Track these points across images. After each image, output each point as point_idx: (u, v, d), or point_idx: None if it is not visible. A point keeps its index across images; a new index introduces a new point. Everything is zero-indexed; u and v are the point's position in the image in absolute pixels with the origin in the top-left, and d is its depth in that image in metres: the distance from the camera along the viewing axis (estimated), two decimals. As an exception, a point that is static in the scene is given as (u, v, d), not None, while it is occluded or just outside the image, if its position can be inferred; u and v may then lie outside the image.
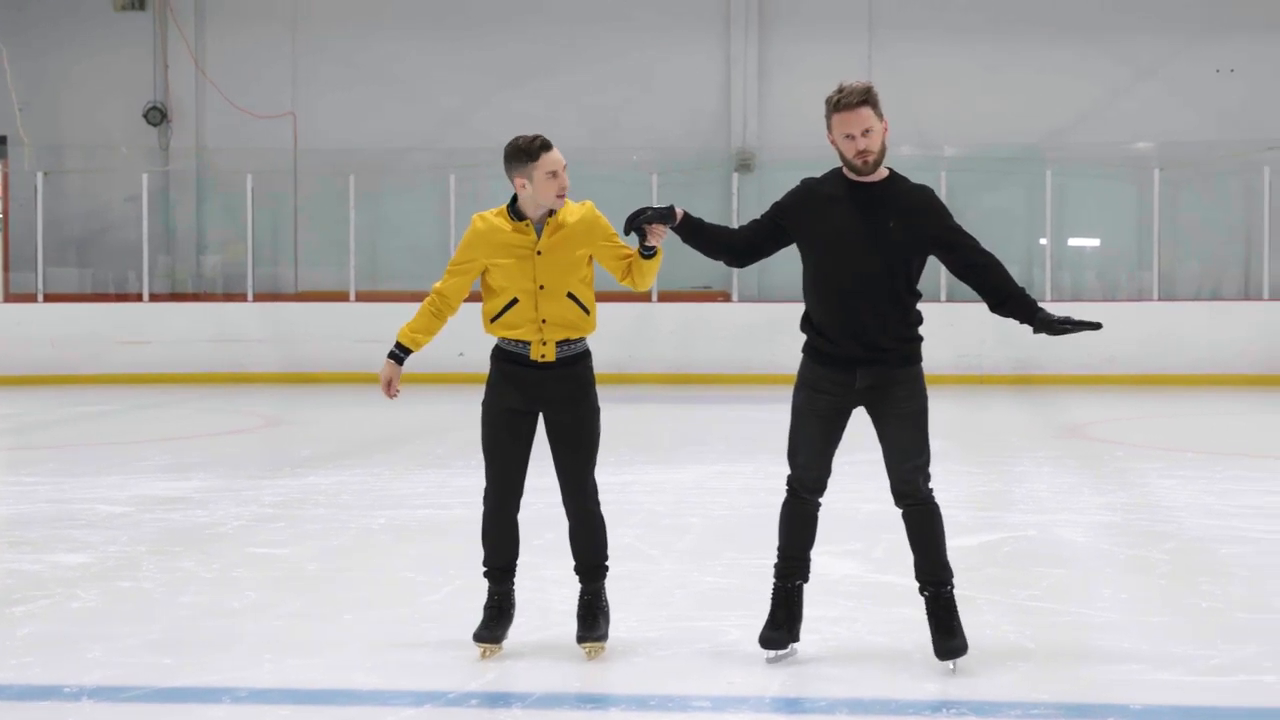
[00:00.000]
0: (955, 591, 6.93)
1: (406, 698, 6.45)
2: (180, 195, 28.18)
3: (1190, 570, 9.07)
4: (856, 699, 6.44)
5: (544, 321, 6.95)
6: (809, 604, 7.62)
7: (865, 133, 6.73)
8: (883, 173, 6.90)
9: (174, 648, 7.25)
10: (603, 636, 7.10)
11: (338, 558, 9.67)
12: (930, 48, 27.07)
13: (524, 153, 6.88)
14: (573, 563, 7.25)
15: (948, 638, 6.84)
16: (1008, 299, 6.96)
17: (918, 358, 6.96)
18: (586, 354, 7.13)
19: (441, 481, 12.76)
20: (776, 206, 7.03)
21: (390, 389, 7.16)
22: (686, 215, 7.01)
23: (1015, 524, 10.70)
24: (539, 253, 6.94)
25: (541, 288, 6.94)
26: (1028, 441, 16.19)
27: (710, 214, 25.25)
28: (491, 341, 7.09)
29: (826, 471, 7.02)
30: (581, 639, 7.09)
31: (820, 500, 7.07)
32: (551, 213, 6.97)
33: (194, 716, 6.28)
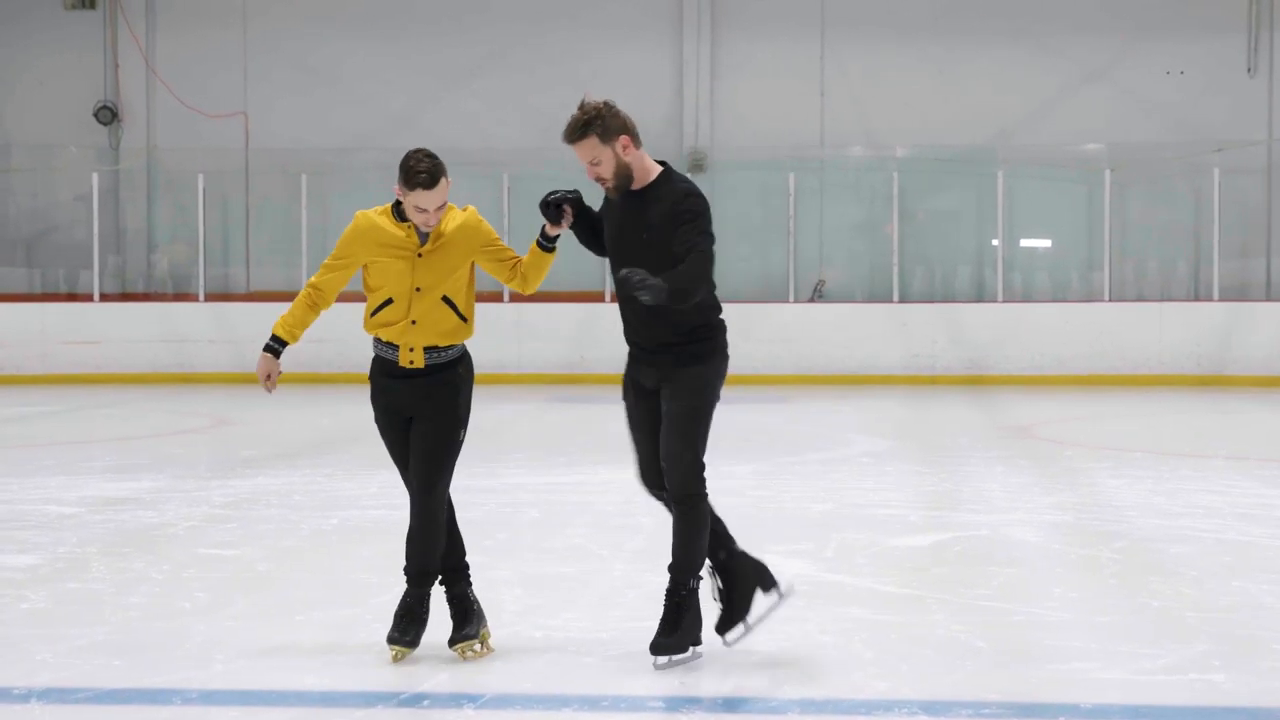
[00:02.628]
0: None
1: (357, 698, 6.43)
2: (131, 195, 28.06)
3: (1139, 570, 9.11)
4: (808, 698, 6.44)
5: (413, 323, 6.94)
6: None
7: (593, 163, 6.76)
8: (653, 173, 6.89)
9: (123, 649, 7.22)
10: (473, 635, 7.07)
11: (288, 558, 9.64)
12: (882, 48, 27.13)
13: (404, 176, 6.82)
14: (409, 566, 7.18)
15: (664, 634, 6.88)
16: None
17: (705, 356, 6.91)
18: (460, 360, 7.09)
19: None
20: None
21: (270, 382, 7.14)
22: (581, 197, 6.99)
23: (966, 524, 10.73)
24: (420, 255, 6.94)
25: (418, 290, 6.93)
26: (978, 441, 16.25)
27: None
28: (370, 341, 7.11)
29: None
30: (453, 641, 7.06)
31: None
32: None
33: (143, 718, 6.25)
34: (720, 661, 6.97)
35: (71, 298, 26.98)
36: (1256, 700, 6.45)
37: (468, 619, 7.11)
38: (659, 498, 7.12)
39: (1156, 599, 8.32)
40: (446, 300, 6.97)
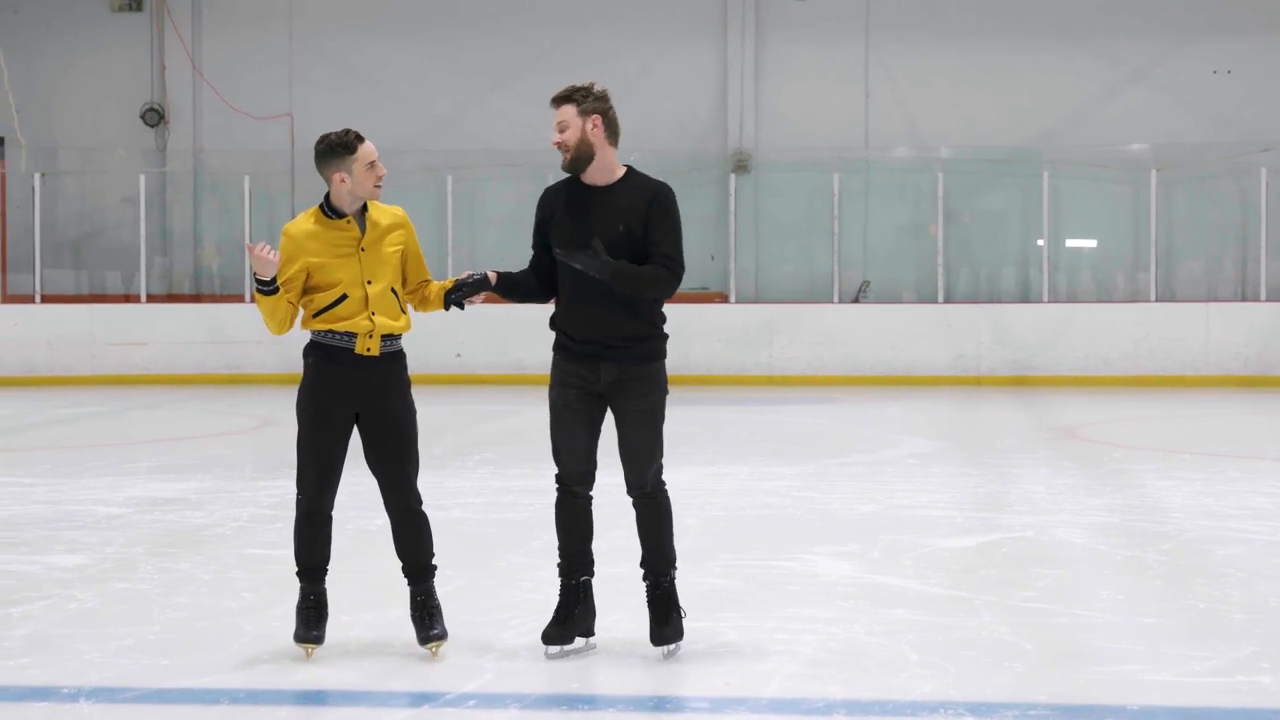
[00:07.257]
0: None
1: (403, 699, 6.46)
2: (177, 197, 28.19)
3: (1187, 571, 9.07)
4: (854, 700, 6.44)
5: (373, 314, 6.96)
6: (807, 604, 7.65)
7: (561, 129, 6.96)
8: (618, 172, 7.05)
9: (171, 649, 7.26)
10: (443, 635, 7.09)
11: (334, 559, 9.60)
12: (927, 49, 27.09)
13: (341, 147, 6.89)
14: (402, 565, 7.27)
15: (662, 625, 7.07)
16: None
17: (659, 354, 7.16)
18: (404, 354, 7.12)
19: (437, 482, 12.73)
20: (535, 227, 7.18)
21: (263, 249, 6.87)
22: (500, 275, 7.16)
23: (1012, 525, 10.70)
24: (364, 249, 6.96)
25: (369, 282, 6.96)
26: (1024, 442, 16.20)
27: (708, 216, 25.39)
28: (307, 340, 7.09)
29: (592, 465, 7.15)
30: (423, 640, 7.08)
31: (590, 493, 7.19)
32: (364, 209, 6.99)
33: (191, 717, 6.29)
34: (766, 662, 6.97)
35: (118, 299, 27.11)
36: (1305, 703, 6.42)
37: (437, 617, 7.14)
38: (582, 497, 7.16)
39: (1204, 601, 8.28)
40: (394, 291, 7.03)
